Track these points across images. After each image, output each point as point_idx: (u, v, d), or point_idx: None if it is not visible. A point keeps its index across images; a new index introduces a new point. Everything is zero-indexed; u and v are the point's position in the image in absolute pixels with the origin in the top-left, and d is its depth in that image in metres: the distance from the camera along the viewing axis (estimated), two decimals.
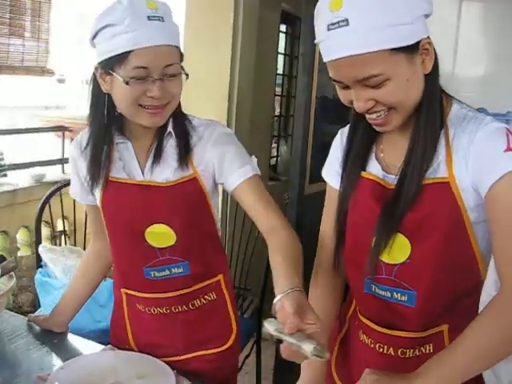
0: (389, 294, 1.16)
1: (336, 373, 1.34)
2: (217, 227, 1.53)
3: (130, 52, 1.24)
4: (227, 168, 1.39)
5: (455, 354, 1.01)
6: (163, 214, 1.41)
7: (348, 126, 1.25)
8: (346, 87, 1.06)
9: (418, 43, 1.03)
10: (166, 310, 1.50)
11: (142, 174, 1.42)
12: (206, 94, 3.34)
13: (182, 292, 1.48)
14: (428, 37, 1.04)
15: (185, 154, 1.39)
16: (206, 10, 3.46)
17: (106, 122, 1.39)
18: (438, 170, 1.10)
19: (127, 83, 1.25)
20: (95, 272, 1.66)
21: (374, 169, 1.19)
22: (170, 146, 1.41)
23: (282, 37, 4.51)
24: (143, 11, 1.24)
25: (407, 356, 1.19)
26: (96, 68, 1.32)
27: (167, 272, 1.46)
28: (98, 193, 1.46)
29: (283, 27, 4.48)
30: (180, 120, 1.42)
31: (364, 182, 1.19)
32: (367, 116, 1.09)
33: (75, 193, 1.57)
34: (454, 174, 1.08)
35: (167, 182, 1.40)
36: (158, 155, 1.41)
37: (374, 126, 1.12)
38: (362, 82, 1.02)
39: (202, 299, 1.52)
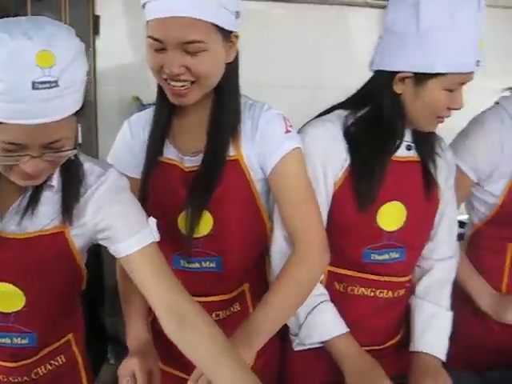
0: (198, 265, 1.31)
1: None
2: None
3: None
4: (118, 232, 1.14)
5: (265, 321, 1.19)
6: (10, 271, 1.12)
7: (136, 115, 1.38)
8: (162, 50, 1.14)
9: (231, 32, 1.18)
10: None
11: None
12: None
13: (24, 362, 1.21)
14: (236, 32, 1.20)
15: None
16: None
17: None
18: (230, 150, 1.25)
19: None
20: None
21: (170, 153, 1.29)
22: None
23: None
24: None
25: (221, 317, 1.34)
26: None
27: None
28: None
29: None
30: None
31: (163, 166, 1.28)
32: (172, 84, 1.17)
33: None
34: (242, 153, 1.25)
35: (19, 234, 1.11)
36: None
37: (174, 98, 1.20)
38: (183, 46, 1.12)
39: (48, 365, 1.25)
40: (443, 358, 1.41)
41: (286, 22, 3.09)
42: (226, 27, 1.16)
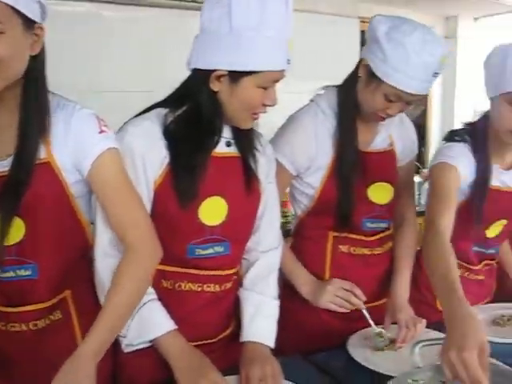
0: (13, 274, 1.26)
1: None
2: None
3: None
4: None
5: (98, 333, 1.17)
6: None
7: None
8: None
9: (34, 22, 1.15)
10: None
11: None
12: None
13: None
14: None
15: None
16: None
17: None
18: (40, 153, 1.21)
19: None
20: None
21: None
22: None
23: None
24: None
25: (39, 327, 1.30)
26: None
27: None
28: None
29: None
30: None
31: None
32: None
33: None
34: (53, 155, 1.22)
35: None
36: None
37: None
38: None
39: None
40: (271, 344, 1.47)
41: (120, 24, 3.07)
42: (29, 15, 1.12)
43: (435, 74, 1.51)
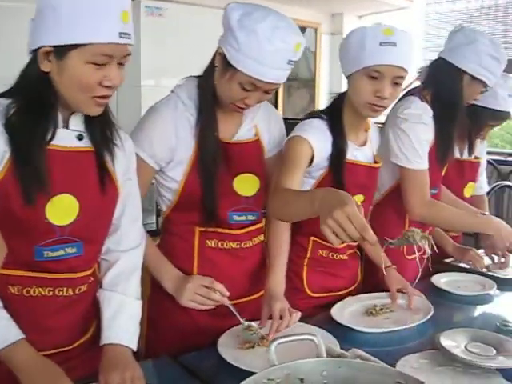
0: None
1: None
2: None
3: None
4: None
5: None
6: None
7: None
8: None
9: None
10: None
11: None
12: None
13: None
14: None
15: None
16: None
17: None
18: None
19: None
20: None
21: None
22: None
23: None
24: None
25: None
26: None
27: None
28: None
29: None
30: None
31: None
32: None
33: None
34: None
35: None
36: None
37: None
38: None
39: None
40: (133, 346, 1.40)
41: None
42: None
43: (290, 62, 1.48)
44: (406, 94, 2.04)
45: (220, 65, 1.53)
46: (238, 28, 1.44)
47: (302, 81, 5.50)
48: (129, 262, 1.47)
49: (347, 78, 1.75)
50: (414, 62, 1.70)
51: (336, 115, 1.79)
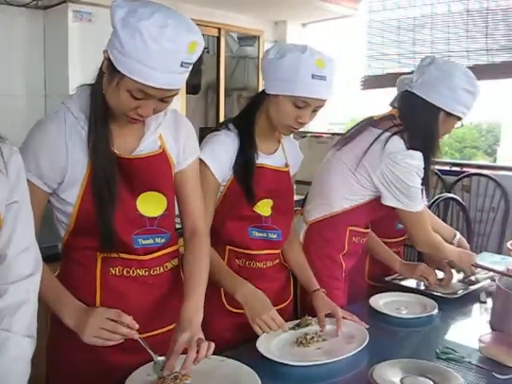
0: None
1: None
2: None
3: None
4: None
5: None
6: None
7: None
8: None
9: None
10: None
11: None
12: None
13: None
14: None
15: None
16: None
17: None
18: None
19: None
20: None
21: None
22: None
23: None
24: None
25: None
26: None
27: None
28: None
29: None
30: None
31: None
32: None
33: None
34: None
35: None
36: None
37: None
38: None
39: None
40: None
41: None
42: None
43: (184, 65, 1.30)
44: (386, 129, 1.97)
45: (106, 70, 1.34)
46: (121, 27, 1.26)
47: (252, 90, 5.35)
48: (17, 295, 1.24)
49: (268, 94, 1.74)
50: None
51: (248, 123, 1.80)
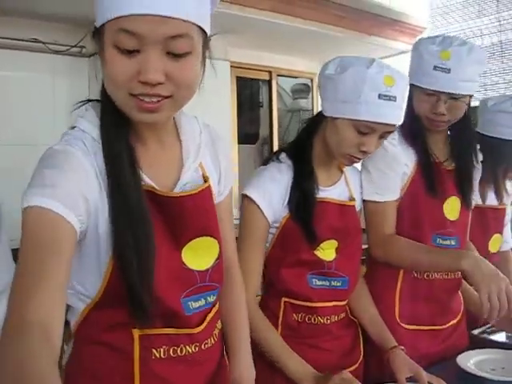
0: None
1: None
2: None
3: None
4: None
5: None
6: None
7: None
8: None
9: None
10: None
11: None
12: None
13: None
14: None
15: None
16: None
17: None
18: None
19: None
20: None
21: None
22: None
23: None
24: None
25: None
26: None
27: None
28: None
29: None
30: None
31: None
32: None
33: None
34: None
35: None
36: None
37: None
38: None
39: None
40: None
41: None
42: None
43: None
44: None
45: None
46: None
47: None
48: None
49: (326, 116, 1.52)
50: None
51: (304, 150, 1.57)
